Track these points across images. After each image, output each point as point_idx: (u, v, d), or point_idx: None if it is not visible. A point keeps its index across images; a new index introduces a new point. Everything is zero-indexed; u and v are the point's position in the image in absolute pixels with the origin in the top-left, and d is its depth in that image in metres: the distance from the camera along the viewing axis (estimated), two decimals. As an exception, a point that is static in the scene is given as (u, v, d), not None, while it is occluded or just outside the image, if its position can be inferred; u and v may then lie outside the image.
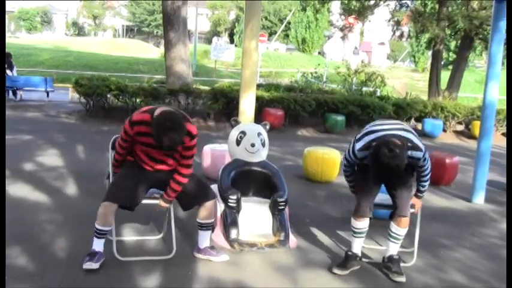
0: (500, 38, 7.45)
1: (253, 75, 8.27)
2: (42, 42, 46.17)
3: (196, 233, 5.22)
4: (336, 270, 4.57)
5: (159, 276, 4.22)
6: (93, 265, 4.12)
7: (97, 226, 4.21)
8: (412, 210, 4.76)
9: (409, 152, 4.27)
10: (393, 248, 4.67)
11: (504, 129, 17.03)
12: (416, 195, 4.84)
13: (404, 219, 4.54)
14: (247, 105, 7.97)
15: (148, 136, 4.12)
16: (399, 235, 4.61)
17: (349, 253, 4.65)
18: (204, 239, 4.64)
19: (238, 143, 5.60)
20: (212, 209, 4.52)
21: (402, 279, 4.49)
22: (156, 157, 4.35)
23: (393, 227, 4.61)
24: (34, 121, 13.36)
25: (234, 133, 5.70)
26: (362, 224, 4.57)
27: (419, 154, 4.37)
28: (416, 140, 4.36)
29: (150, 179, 4.41)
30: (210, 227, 4.63)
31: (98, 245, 4.27)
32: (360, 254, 4.70)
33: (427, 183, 4.77)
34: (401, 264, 4.69)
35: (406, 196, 4.64)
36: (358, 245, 4.68)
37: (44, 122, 13.41)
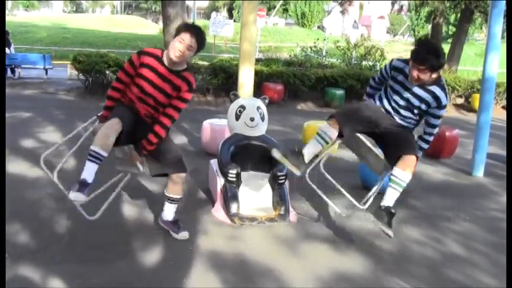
0: (500, 11, 7.37)
1: (252, 49, 8.22)
2: (39, 20, 45.93)
3: (196, 208, 5.26)
4: None
5: (159, 251, 4.23)
6: (82, 197, 3.82)
7: (93, 148, 3.92)
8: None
9: (436, 88, 4.33)
10: (391, 197, 4.36)
11: (504, 102, 17.00)
12: None
13: (410, 159, 4.23)
14: (246, 79, 7.93)
15: (153, 71, 4.14)
16: (401, 180, 4.28)
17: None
18: (168, 212, 4.55)
19: (237, 117, 5.57)
20: (180, 184, 4.41)
21: (390, 232, 4.24)
22: (150, 100, 4.18)
23: (395, 170, 4.29)
24: (33, 98, 13.32)
25: (233, 107, 5.67)
26: (327, 129, 4.47)
27: (443, 95, 4.36)
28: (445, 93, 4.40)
29: (138, 124, 4.17)
30: (176, 202, 4.52)
31: (90, 172, 3.92)
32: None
33: (428, 143, 4.61)
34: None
35: (411, 138, 4.45)
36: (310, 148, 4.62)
37: (42, 99, 13.36)
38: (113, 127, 3.94)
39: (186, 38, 4.07)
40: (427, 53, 4.10)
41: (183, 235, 4.50)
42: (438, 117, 4.48)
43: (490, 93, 7.63)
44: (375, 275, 4.10)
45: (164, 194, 4.52)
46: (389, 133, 4.47)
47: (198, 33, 4.13)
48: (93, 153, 3.91)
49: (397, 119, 4.52)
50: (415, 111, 4.45)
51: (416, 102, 4.39)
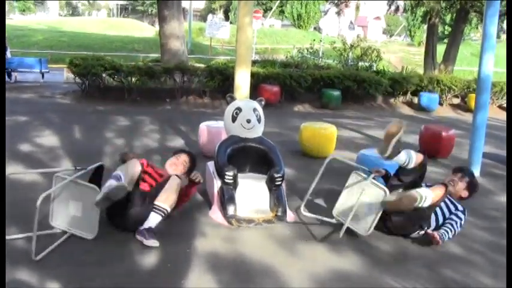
0: (495, 11, 7.39)
1: (248, 51, 8.21)
2: (35, 23, 45.81)
3: (194, 210, 5.26)
4: None
5: (157, 253, 4.23)
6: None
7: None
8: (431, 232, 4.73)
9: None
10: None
11: (500, 102, 17.07)
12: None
13: (440, 187, 4.62)
14: (242, 81, 7.92)
15: (150, 177, 4.79)
16: (425, 195, 4.50)
17: None
18: (151, 221, 4.41)
19: (234, 119, 5.57)
20: (172, 194, 4.48)
21: None
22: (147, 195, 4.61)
23: (425, 189, 4.61)
24: (29, 102, 13.31)
25: (230, 109, 5.66)
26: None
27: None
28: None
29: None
30: (161, 214, 4.42)
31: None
32: None
33: (451, 233, 4.76)
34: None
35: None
36: None
37: (39, 103, 13.35)
38: (137, 162, 4.59)
39: (183, 155, 5.22)
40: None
41: (153, 243, 4.32)
42: (463, 213, 5.02)
43: (486, 93, 7.66)
44: (372, 275, 4.11)
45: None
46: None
47: (192, 156, 5.29)
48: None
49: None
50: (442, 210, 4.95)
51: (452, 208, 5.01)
